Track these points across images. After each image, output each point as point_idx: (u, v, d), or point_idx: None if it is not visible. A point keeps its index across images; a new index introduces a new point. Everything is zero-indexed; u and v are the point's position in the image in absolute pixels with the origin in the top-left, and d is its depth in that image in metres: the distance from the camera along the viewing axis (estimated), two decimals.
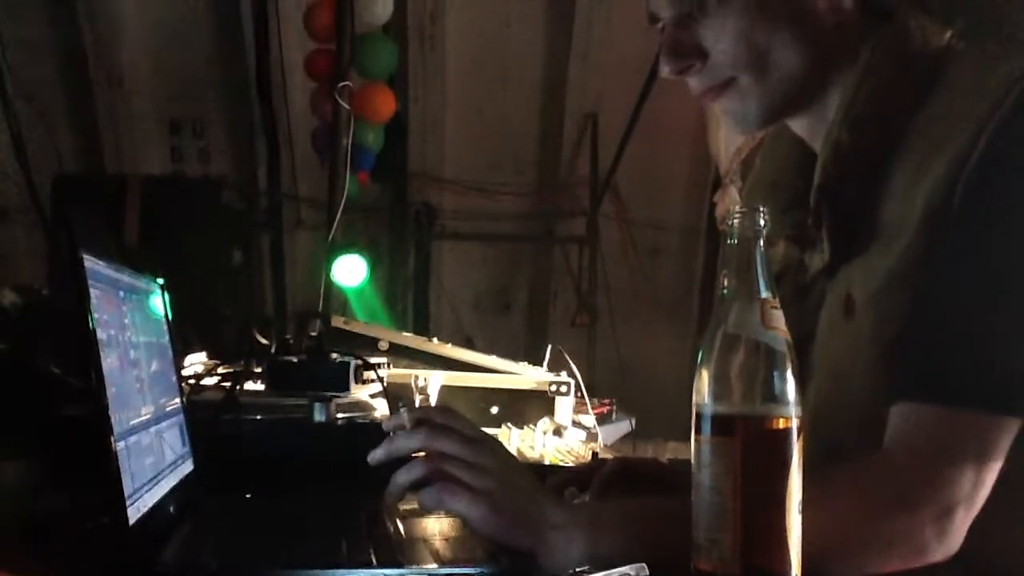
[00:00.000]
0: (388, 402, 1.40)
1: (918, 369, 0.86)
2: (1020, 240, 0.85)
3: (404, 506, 0.97)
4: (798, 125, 1.05)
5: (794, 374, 0.73)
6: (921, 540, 0.82)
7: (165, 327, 1.09)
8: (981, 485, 0.83)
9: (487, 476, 0.87)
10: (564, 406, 1.88)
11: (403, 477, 0.89)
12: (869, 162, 0.94)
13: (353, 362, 1.37)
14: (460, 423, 0.96)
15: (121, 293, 0.90)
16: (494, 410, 1.88)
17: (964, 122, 0.86)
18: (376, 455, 0.93)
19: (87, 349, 0.74)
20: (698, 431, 0.74)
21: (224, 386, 1.44)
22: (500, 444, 0.97)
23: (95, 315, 0.77)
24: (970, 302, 0.85)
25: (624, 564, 0.81)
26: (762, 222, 0.74)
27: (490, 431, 1.78)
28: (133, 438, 0.83)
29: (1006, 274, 0.84)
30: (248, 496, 1.07)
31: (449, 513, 0.89)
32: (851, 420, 0.89)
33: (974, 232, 0.85)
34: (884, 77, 0.94)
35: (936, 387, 0.84)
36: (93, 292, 0.78)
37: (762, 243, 0.74)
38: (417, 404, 1.81)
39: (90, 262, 0.80)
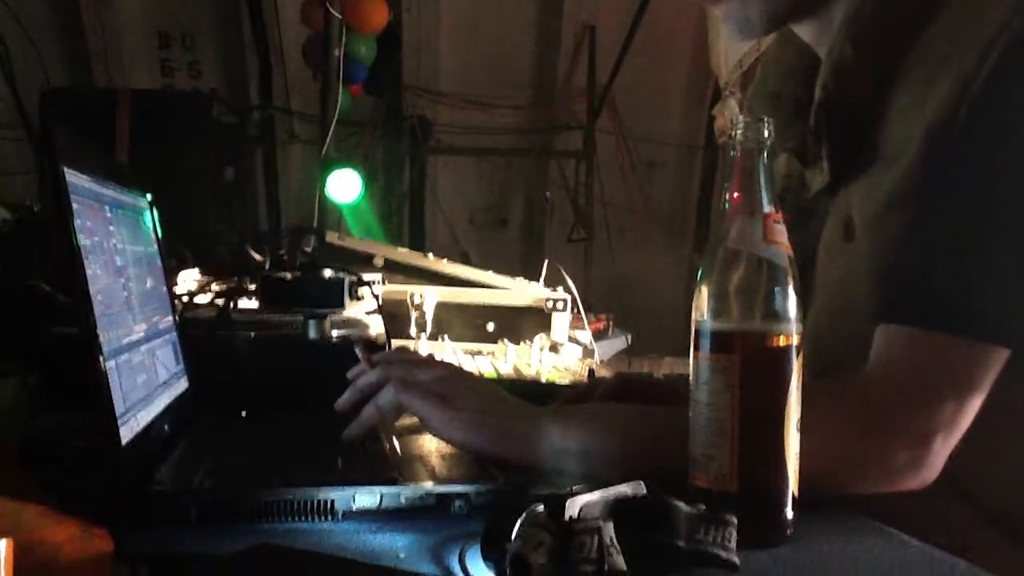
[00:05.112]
0: (383, 319, 1.39)
1: (906, 291, 0.84)
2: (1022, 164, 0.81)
3: (400, 423, 0.97)
4: (803, 30, 1.00)
5: (795, 290, 0.72)
6: (894, 465, 0.80)
7: (156, 243, 1.08)
8: (961, 414, 0.81)
9: (444, 383, 0.90)
10: (561, 322, 1.88)
11: (364, 414, 0.91)
12: (873, 78, 0.90)
13: (347, 278, 1.35)
14: (414, 355, 0.99)
15: (108, 209, 0.88)
16: (490, 326, 1.87)
17: (974, 38, 0.82)
18: (343, 401, 0.95)
19: (72, 267, 0.73)
20: (697, 348, 0.73)
21: (217, 303, 1.43)
22: (459, 367, 0.99)
23: (79, 232, 0.75)
24: (964, 227, 0.81)
25: (598, 458, 0.82)
26: (766, 133, 0.72)
27: (486, 347, 1.80)
28: (124, 356, 0.82)
29: (1004, 199, 0.81)
30: (243, 414, 1.06)
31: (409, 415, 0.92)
32: (850, 344, 0.87)
33: (975, 153, 0.81)
34: None
35: (921, 310, 0.82)
36: (77, 208, 0.76)
37: (765, 155, 0.73)
38: (412, 320, 1.81)
39: (74, 177, 0.78)
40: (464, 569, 0.64)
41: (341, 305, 1.33)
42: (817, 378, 0.83)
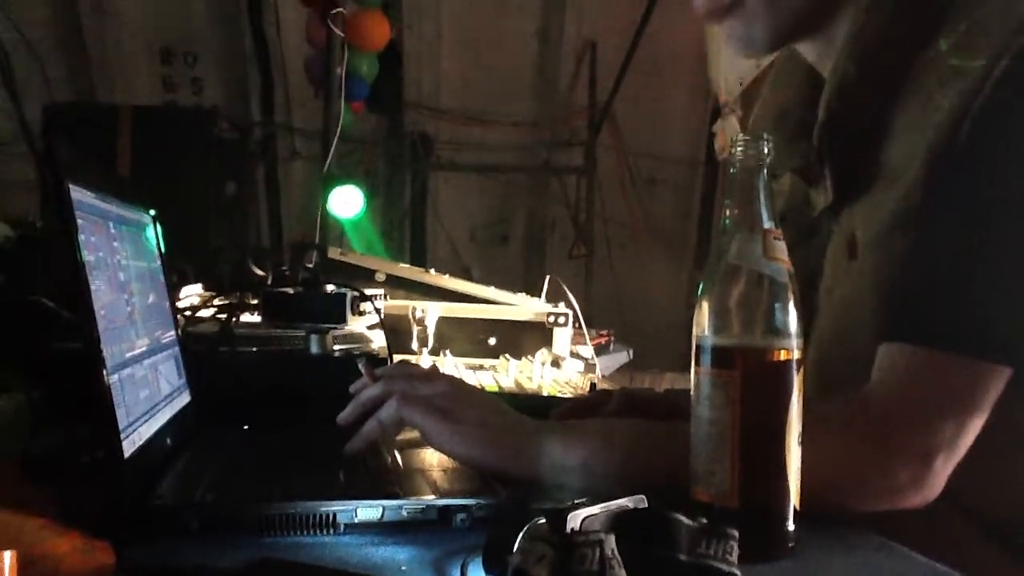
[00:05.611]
0: (385, 334, 1.40)
1: (909, 310, 0.84)
2: None
3: (401, 437, 0.97)
4: (806, 49, 1.01)
5: (795, 306, 0.72)
6: (895, 483, 0.80)
7: (158, 259, 1.08)
8: (964, 432, 0.81)
9: (446, 398, 0.89)
10: (562, 337, 1.88)
11: (366, 428, 0.91)
12: (876, 97, 0.90)
13: (349, 294, 1.36)
14: (416, 369, 0.99)
15: (112, 225, 0.88)
16: (492, 341, 1.88)
17: (978, 55, 0.82)
18: (345, 415, 0.95)
19: (76, 282, 0.73)
20: (698, 363, 0.73)
21: (220, 318, 1.43)
22: (461, 381, 0.98)
23: (83, 247, 0.75)
24: (967, 245, 0.81)
25: (599, 473, 0.82)
26: (766, 151, 0.73)
27: (488, 362, 1.80)
28: (127, 371, 0.82)
29: (1008, 217, 0.81)
30: (245, 428, 1.07)
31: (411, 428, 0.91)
32: (853, 362, 0.87)
33: (977, 171, 0.81)
34: (895, 6, 0.90)
35: (924, 329, 0.82)
36: (81, 223, 0.76)
37: (765, 172, 0.73)
38: (414, 335, 1.81)
39: (78, 193, 0.78)
40: None
41: (343, 320, 1.33)
42: (820, 396, 0.83)
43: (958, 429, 0.81)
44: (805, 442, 0.72)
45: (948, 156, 0.82)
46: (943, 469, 0.81)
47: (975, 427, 0.81)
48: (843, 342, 0.91)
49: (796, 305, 0.72)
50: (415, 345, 1.81)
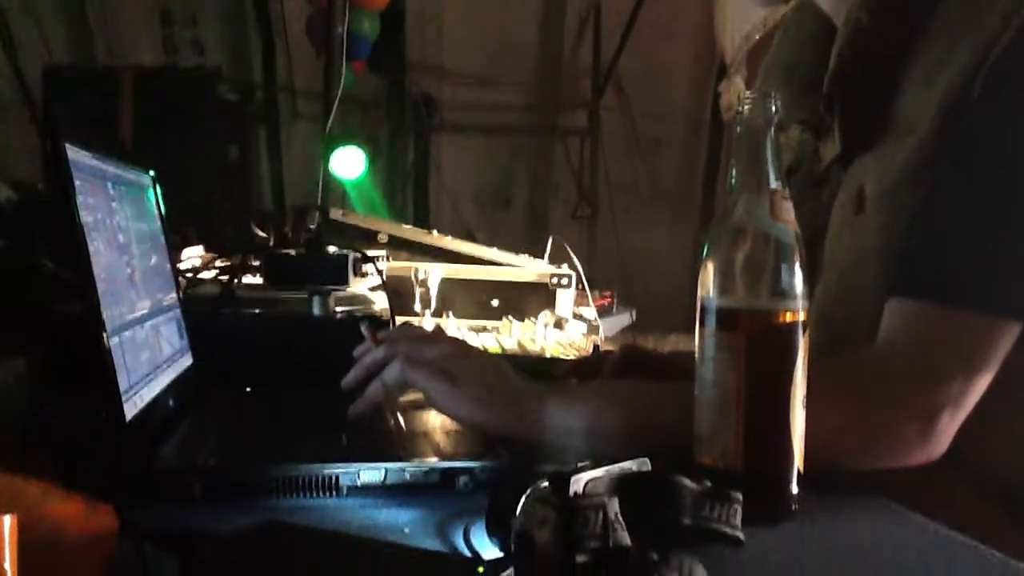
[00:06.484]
0: (387, 295, 1.39)
1: (917, 265, 0.83)
2: None
3: (404, 399, 0.97)
4: None
5: (802, 267, 0.71)
6: (901, 440, 0.80)
7: (159, 221, 1.07)
8: (971, 388, 0.80)
9: (449, 360, 0.88)
10: (565, 298, 1.88)
11: (370, 391, 0.91)
12: (888, 48, 0.89)
13: (351, 255, 1.35)
14: (419, 331, 0.99)
15: (111, 186, 0.87)
16: (495, 303, 1.87)
17: (994, 8, 0.81)
18: (349, 379, 0.94)
19: (75, 244, 0.72)
20: (702, 324, 0.73)
21: (222, 280, 1.43)
22: (465, 342, 0.98)
23: (82, 209, 0.74)
24: (978, 200, 0.81)
25: (602, 435, 0.82)
26: (772, 110, 0.72)
27: (491, 323, 1.79)
28: (128, 333, 0.82)
29: (1019, 172, 0.80)
30: (247, 390, 1.06)
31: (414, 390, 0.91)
32: (858, 318, 0.87)
33: (991, 125, 0.81)
34: None
35: (931, 284, 0.81)
36: (79, 184, 0.76)
37: (772, 132, 0.72)
38: (417, 296, 1.80)
39: (75, 154, 0.77)
40: (469, 545, 0.64)
41: (345, 282, 1.33)
42: (824, 350, 0.82)
43: (965, 385, 0.80)
44: (810, 399, 0.71)
45: (962, 111, 0.81)
46: (949, 426, 0.80)
47: (982, 384, 0.81)
48: (848, 296, 0.91)
49: (802, 267, 0.71)
50: (418, 307, 1.81)
